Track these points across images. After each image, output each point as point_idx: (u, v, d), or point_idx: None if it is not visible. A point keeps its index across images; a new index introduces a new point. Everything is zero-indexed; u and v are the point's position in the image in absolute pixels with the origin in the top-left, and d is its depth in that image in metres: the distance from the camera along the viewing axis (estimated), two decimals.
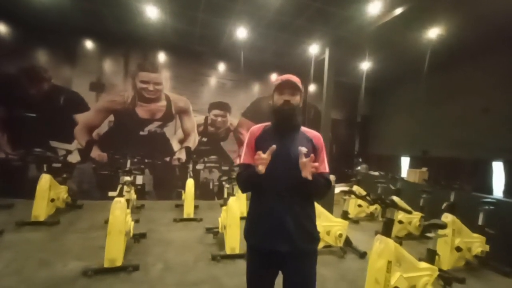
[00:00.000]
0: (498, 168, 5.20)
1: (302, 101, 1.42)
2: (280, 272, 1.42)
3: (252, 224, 1.41)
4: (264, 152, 1.24)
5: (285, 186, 1.31)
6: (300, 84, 1.39)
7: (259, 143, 1.40)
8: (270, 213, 1.32)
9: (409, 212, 2.66)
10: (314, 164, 1.20)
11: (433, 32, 4.86)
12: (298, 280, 1.36)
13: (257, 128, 1.48)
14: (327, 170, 1.43)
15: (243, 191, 1.55)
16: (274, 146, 1.23)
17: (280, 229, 1.30)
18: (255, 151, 1.37)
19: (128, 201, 3.30)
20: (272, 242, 1.31)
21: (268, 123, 1.48)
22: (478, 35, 4.89)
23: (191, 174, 5.29)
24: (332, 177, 7.20)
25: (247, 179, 1.38)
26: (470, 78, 5.76)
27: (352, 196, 3.97)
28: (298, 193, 1.33)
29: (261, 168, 1.23)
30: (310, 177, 1.21)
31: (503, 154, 5.00)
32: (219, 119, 6.88)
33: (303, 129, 1.46)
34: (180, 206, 5.41)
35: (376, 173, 6.58)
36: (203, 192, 6.65)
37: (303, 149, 1.23)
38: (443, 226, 2.71)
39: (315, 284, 1.39)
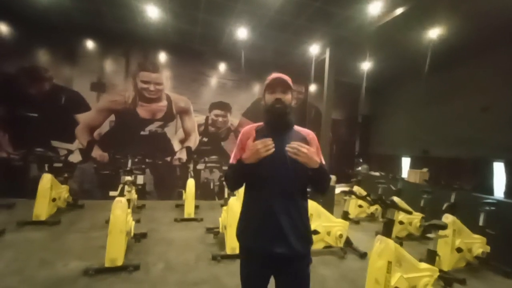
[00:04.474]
0: (499, 169, 5.19)
1: (294, 100, 1.40)
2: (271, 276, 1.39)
3: (247, 225, 1.37)
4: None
5: (279, 186, 1.29)
6: (290, 83, 1.36)
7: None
8: (265, 213, 1.29)
9: (410, 213, 2.66)
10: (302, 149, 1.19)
11: (434, 31, 4.86)
12: (293, 283, 1.34)
13: (250, 128, 1.45)
14: (323, 163, 1.39)
15: (231, 188, 1.49)
16: (269, 140, 1.21)
17: (276, 230, 1.27)
18: None
19: (129, 200, 3.31)
20: (268, 243, 1.27)
21: (261, 123, 1.46)
22: (478, 33, 4.88)
23: (192, 174, 5.30)
24: (332, 178, 7.22)
25: (238, 171, 1.32)
26: (471, 76, 5.74)
27: (353, 196, 3.97)
28: (292, 193, 1.31)
29: (263, 153, 1.20)
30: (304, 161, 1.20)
31: (504, 153, 4.99)
32: (220, 119, 6.88)
33: (296, 128, 1.43)
34: (180, 206, 5.42)
35: (377, 174, 6.58)
36: (204, 192, 6.65)
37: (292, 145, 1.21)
38: (444, 226, 2.71)
39: (309, 286, 1.37)
